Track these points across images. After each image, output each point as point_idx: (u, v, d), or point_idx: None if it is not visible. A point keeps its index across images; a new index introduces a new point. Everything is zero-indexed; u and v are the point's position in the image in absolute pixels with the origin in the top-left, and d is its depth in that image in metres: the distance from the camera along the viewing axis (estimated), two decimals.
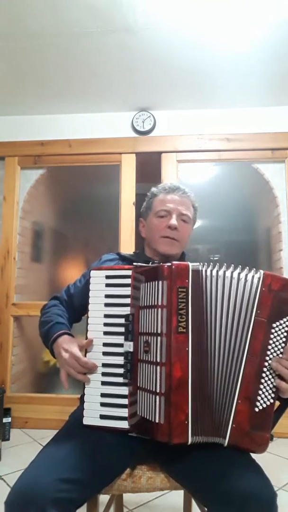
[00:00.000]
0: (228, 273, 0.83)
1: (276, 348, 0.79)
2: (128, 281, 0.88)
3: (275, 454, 1.82)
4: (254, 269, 0.84)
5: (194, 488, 0.81)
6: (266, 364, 0.79)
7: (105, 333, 0.88)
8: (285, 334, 0.80)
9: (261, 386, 0.78)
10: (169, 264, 0.80)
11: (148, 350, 0.80)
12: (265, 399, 0.78)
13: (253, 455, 0.80)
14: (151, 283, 0.82)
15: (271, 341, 0.79)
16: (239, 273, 0.83)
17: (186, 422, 0.74)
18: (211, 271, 0.83)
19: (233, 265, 0.84)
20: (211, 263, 0.84)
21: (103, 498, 0.95)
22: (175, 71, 2.20)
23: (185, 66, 2.16)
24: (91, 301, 0.90)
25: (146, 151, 2.60)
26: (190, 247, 2.73)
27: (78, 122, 2.67)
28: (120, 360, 0.85)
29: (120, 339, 0.86)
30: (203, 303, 0.82)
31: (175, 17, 1.79)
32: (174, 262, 0.80)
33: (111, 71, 2.21)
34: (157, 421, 0.75)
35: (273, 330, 0.80)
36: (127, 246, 2.49)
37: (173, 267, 0.79)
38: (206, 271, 0.83)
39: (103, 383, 0.85)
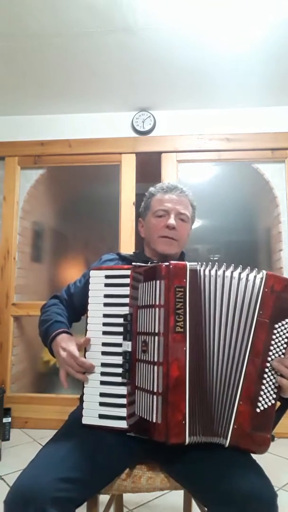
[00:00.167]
0: (228, 273, 0.83)
1: (278, 349, 0.79)
2: (127, 281, 0.88)
3: (275, 454, 1.82)
4: (256, 269, 0.83)
5: (194, 488, 0.81)
6: (268, 364, 0.78)
7: (104, 332, 0.88)
8: (287, 335, 0.80)
9: (263, 387, 0.78)
10: (167, 263, 0.80)
11: (146, 349, 0.80)
12: (267, 400, 0.77)
13: (253, 456, 0.80)
14: (149, 282, 0.82)
15: (273, 342, 0.79)
16: (239, 273, 0.83)
17: (183, 422, 0.73)
18: (210, 270, 0.83)
19: (233, 265, 0.84)
20: (210, 263, 0.84)
21: (103, 498, 0.95)
22: (175, 71, 2.20)
23: (185, 66, 2.16)
24: (91, 300, 0.90)
25: (146, 151, 2.60)
26: (190, 247, 2.74)
27: (78, 122, 2.67)
28: (119, 359, 0.85)
29: (119, 339, 0.86)
30: (201, 303, 0.81)
31: (175, 17, 1.79)
32: (172, 262, 0.80)
33: (111, 71, 2.21)
34: (154, 421, 0.75)
35: (275, 331, 0.79)
36: (127, 246, 2.49)
37: (171, 266, 0.79)
38: (204, 270, 0.83)
39: (102, 382, 0.85)
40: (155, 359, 0.77)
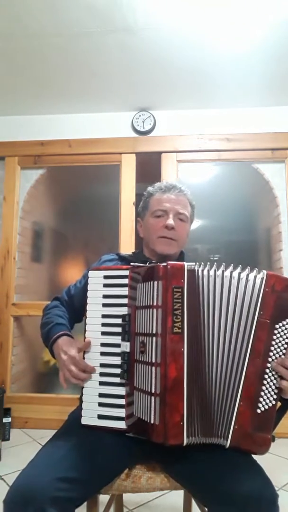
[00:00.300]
0: (227, 273, 0.82)
1: (278, 349, 0.79)
2: (126, 281, 0.88)
3: (275, 454, 1.82)
4: (256, 269, 0.83)
5: (195, 488, 0.81)
6: (269, 365, 0.78)
7: (103, 333, 0.88)
8: None
9: (263, 388, 0.77)
10: (165, 264, 0.79)
11: (144, 350, 0.80)
12: (267, 400, 0.77)
13: (254, 456, 0.80)
14: (147, 283, 0.81)
15: (273, 342, 0.79)
16: (239, 273, 0.82)
17: (181, 423, 0.73)
18: (208, 271, 0.82)
19: (232, 265, 0.83)
20: (209, 263, 0.83)
21: (103, 498, 0.95)
22: (175, 71, 2.20)
23: (185, 66, 2.16)
24: (89, 301, 0.90)
25: (146, 151, 2.60)
26: (190, 247, 2.74)
27: (78, 122, 2.67)
28: (117, 360, 0.85)
29: (118, 339, 0.86)
30: (199, 304, 0.81)
31: (175, 17, 1.79)
32: (170, 262, 0.79)
33: (111, 71, 2.21)
34: (152, 422, 0.75)
35: (275, 331, 0.79)
36: (127, 246, 2.49)
37: (168, 267, 0.78)
38: (203, 271, 0.82)
39: (101, 383, 0.86)
40: (153, 360, 0.77)
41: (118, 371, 0.85)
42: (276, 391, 0.78)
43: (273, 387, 0.78)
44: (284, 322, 0.79)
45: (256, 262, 2.73)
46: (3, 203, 2.65)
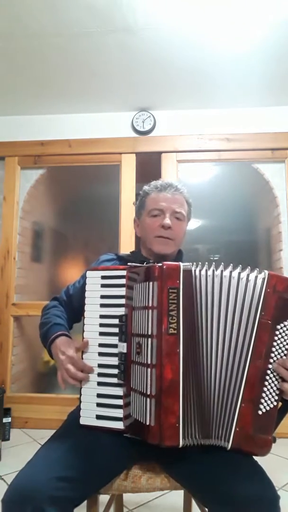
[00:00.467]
0: (226, 273, 0.81)
1: (280, 350, 0.78)
2: (123, 281, 0.87)
3: (275, 454, 1.83)
4: (257, 269, 0.81)
5: (195, 488, 0.81)
6: (270, 366, 0.77)
7: (101, 333, 0.88)
8: None
9: (265, 389, 0.77)
10: (160, 264, 0.78)
11: (140, 351, 0.79)
12: (269, 402, 0.76)
13: (254, 456, 0.80)
14: (143, 284, 0.81)
15: (275, 343, 0.78)
16: (239, 273, 0.81)
17: (177, 424, 0.72)
18: (206, 270, 0.81)
19: (232, 265, 0.82)
20: (207, 263, 0.82)
21: (103, 498, 0.95)
22: (175, 71, 2.20)
23: (185, 66, 2.16)
24: (87, 301, 0.90)
25: (146, 151, 2.60)
26: (190, 247, 2.75)
27: (78, 122, 2.67)
28: (115, 361, 0.85)
29: (115, 340, 0.86)
30: (196, 304, 0.80)
31: (175, 17, 1.79)
32: (165, 263, 0.78)
33: (111, 71, 2.21)
34: (148, 423, 0.74)
35: (277, 332, 0.78)
36: (127, 246, 2.49)
37: (164, 267, 0.77)
38: (200, 271, 0.81)
39: (99, 383, 0.85)
40: (149, 361, 0.76)
41: (116, 371, 0.84)
42: (277, 392, 0.77)
43: (274, 388, 0.77)
44: (286, 323, 0.78)
45: (256, 262, 2.73)
46: (3, 203, 2.65)
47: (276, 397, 0.77)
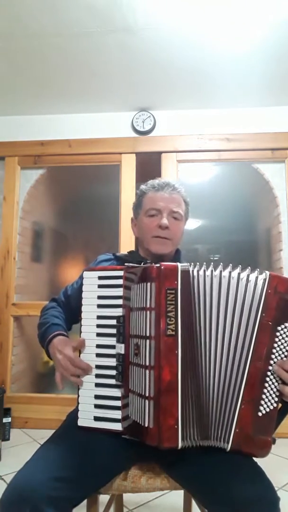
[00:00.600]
0: (225, 273, 0.80)
1: (280, 352, 0.77)
2: (120, 281, 0.86)
3: (275, 454, 1.83)
4: (258, 269, 0.80)
5: (195, 490, 0.81)
6: (270, 368, 0.77)
7: (98, 334, 0.87)
8: None
9: (265, 390, 0.76)
10: (158, 265, 0.77)
11: (138, 353, 0.78)
12: (269, 403, 0.76)
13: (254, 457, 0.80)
14: (140, 284, 0.80)
15: (275, 345, 0.77)
16: (239, 273, 0.80)
17: (175, 426, 0.72)
18: (205, 271, 0.80)
19: (231, 265, 0.81)
20: (205, 263, 0.81)
21: (103, 498, 0.95)
22: (175, 71, 2.20)
23: (185, 66, 2.16)
24: (84, 302, 0.89)
25: (146, 151, 2.60)
26: (190, 247, 2.75)
27: (78, 122, 2.67)
28: (113, 362, 0.84)
29: (113, 341, 0.85)
30: (194, 305, 0.79)
31: (175, 17, 1.79)
32: (163, 263, 0.78)
33: (111, 71, 2.21)
34: (146, 425, 0.74)
35: (278, 333, 0.77)
36: (127, 246, 2.49)
37: (162, 268, 0.77)
38: (198, 271, 0.80)
39: (97, 384, 0.85)
40: (147, 363, 0.76)
41: (114, 372, 0.84)
42: (277, 393, 0.76)
43: (275, 389, 0.76)
44: (286, 324, 0.78)
45: (256, 262, 2.74)
46: (3, 203, 2.65)
47: (276, 399, 0.76)
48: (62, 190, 3.08)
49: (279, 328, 0.77)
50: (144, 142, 2.60)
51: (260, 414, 0.75)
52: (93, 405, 0.84)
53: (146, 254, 1.11)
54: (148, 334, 0.77)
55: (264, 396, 0.76)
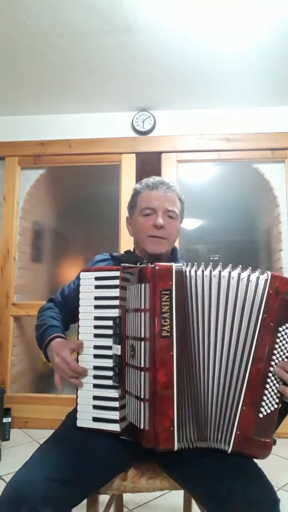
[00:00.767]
0: (224, 273, 0.78)
1: (281, 353, 0.76)
2: (116, 282, 0.86)
3: (275, 455, 1.83)
4: (259, 269, 0.79)
5: (195, 491, 0.81)
6: (271, 369, 0.76)
7: (96, 335, 0.87)
8: None
9: (266, 392, 0.75)
10: (152, 266, 0.77)
11: (134, 354, 0.78)
12: (269, 405, 0.75)
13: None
14: (136, 285, 0.79)
15: (277, 346, 0.76)
16: (239, 273, 0.78)
17: (171, 428, 0.72)
18: (203, 271, 0.79)
19: (230, 265, 0.80)
20: (203, 263, 0.80)
21: (103, 498, 0.95)
22: (175, 71, 2.20)
23: (185, 66, 2.16)
24: (81, 303, 0.89)
25: (146, 151, 2.60)
26: (190, 247, 2.75)
27: (78, 122, 2.67)
28: (111, 362, 0.84)
29: (110, 342, 0.85)
30: (191, 306, 0.78)
31: (175, 17, 1.79)
32: (158, 264, 0.77)
33: (111, 71, 2.21)
34: (142, 427, 0.74)
35: (279, 334, 0.76)
36: (127, 246, 2.48)
37: (156, 268, 0.76)
38: (196, 271, 0.79)
39: (95, 385, 0.85)
40: (142, 365, 0.75)
41: (111, 373, 0.84)
42: (278, 395, 0.76)
43: (275, 391, 0.76)
44: (287, 325, 0.77)
45: (256, 262, 2.74)
46: (3, 203, 2.65)
47: (277, 400, 0.76)
48: (62, 190, 3.08)
49: (280, 329, 0.77)
50: (144, 142, 2.60)
51: (261, 415, 0.75)
52: (92, 406, 0.84)
53: (142, 254, 1.10)
54: (143, 336, 0.76)
55: (265, 398, 0.75)
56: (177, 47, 2.00)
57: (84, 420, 0.84)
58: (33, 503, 0.66)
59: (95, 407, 0.84)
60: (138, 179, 2.63)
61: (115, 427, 0.81)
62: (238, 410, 0.75)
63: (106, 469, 0.83)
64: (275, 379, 0.76)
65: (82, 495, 0.78)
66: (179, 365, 0.74)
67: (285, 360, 0.76)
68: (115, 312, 0.85)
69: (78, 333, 0.89)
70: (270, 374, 0.76)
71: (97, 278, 0.89)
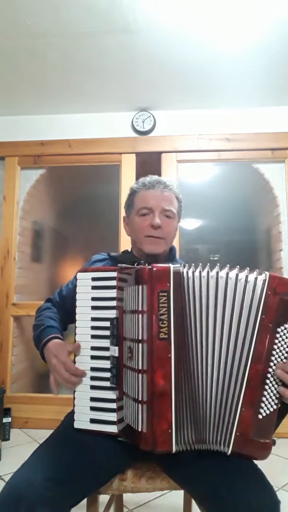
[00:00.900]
0: (222, 274, 0.77)
1: (280, 353, 0.76)
2: (113, 283, 0.85)
3: (275, 455, 1.83)
4: (257, 270, 0.78)
5: (194, 492, 0.81)
6: (270, 370, 0.75)
7: (93, 336, 0.86)
8: None
9: (265, 393, 0.75)
10: (150, 267, 0.75)
11: (131, 356, 0.77)
12: (269, 406, 0.75)
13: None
14: (133, 287, 0.78)
15: (275, 346, 0.76)
16: (237, 274, 0.78)
17: (169, 430, 0.71)
18: (200, 272, 0.78)
19: (228, 265, 0.79)
20: (201, 264, 0.79)
21: (103, 498, 0.95)
22: (175, 71, 2.20)
23: (185, 66, 2.16)
24: (78, 304, 0.88)
25: (146, 151, 2.60)
26: (190, 247, 2.75)
27: (78, 122, 2.67)
28: (108, 364, 0.84)
29: (107, 343, 0.84)
30: (189, 307, 0.77)
31: (175, 17, 1.79)
32: (155, 265, 0.76)
33: (111, 71, 2.21)
34: (139, 429, 0.73)
35: (277, 335, 0.76)
36: (127, 246, 2.46)
37: (154, 269, 0.75)
38: (194, 272, 0.78)
39: (92, 387, 0.84)
40: (140, 367, 0.74)
41: (108, 375, 0.83)
42: (277, 395, 0.75)
43: (275, 391, 0.75)
44: (286, 325, 0.77)
45: (256, 262, 2.74)
46: (3, 203, 2.65)
47: (276, 401, 0.75)
48: (62, 190, 3.08)
49: (279, 329, 0.76)
50: (144, 142, 2.60)
51: (260, 416, 0.74)
52: (89, 408, 0.83)
53: (140, 254, 1.09)
54: (140, 338, 0.75)
55: (264, 399, 0.75)
56: (177, 47, 2.00)
57: (82, 422, 0.83)
58: (31, 503, 0.66)
59: (92, 408, 0.83)
60: (138, 179, 2.64)
61: (113, 429, 0.81)
62: (237, 411, 0.74)
63: (104, 469, 0.82)
64: (274, 379, 0.75)
65: (81, 495, 0.78)
66: (177, 367, 0.73)
67: (284, 360, 0.76)
68: (112, 313, 0.84)
69: (75, 334, 0.88)
70: (269, 375, 0.75)
71: (94, 279, 0.88)
